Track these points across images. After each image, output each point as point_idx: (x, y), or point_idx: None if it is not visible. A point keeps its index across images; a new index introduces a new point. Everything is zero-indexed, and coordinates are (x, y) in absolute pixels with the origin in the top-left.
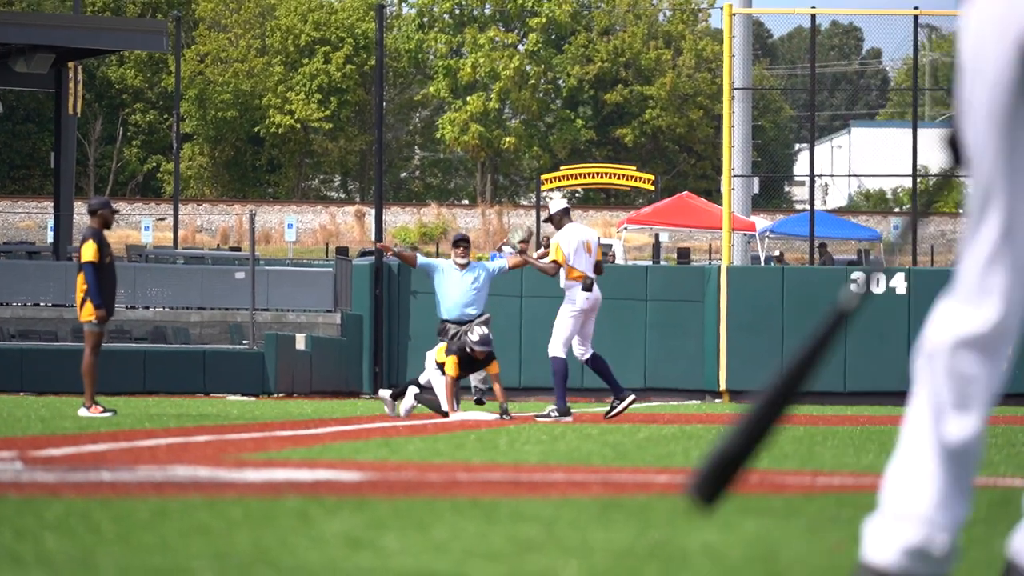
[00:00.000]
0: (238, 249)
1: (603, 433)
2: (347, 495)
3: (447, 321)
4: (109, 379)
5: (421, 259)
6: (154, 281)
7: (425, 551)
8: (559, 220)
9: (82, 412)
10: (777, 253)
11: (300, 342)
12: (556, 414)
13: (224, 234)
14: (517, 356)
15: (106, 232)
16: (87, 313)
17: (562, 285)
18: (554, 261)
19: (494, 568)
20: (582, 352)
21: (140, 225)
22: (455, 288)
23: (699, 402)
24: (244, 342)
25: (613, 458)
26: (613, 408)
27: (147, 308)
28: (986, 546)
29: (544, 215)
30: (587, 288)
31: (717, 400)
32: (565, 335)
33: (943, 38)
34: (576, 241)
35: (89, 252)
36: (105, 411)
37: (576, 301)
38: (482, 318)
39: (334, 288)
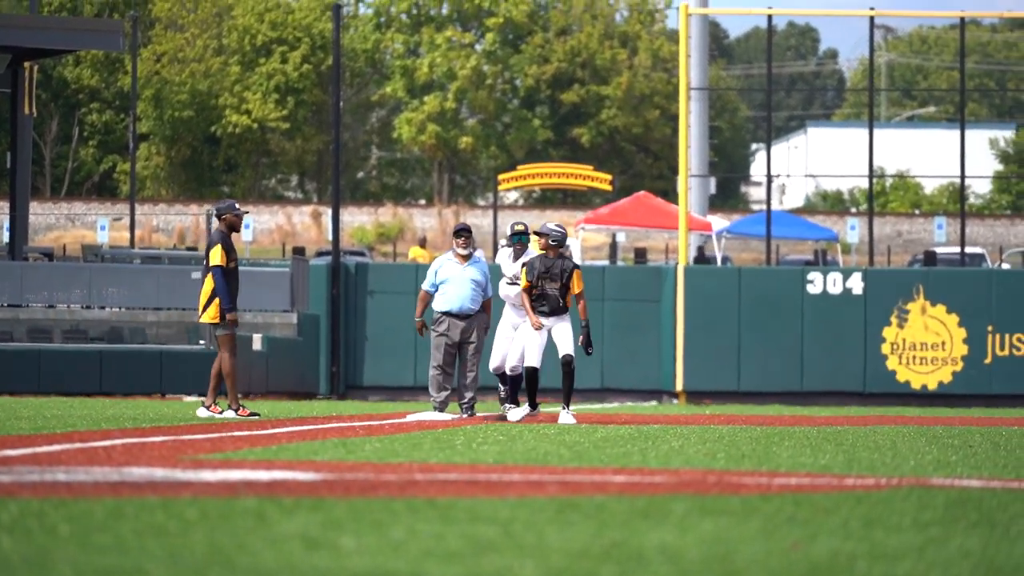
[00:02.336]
0: (195, 249)
1: (560, 433)
2: (304, 495)
3: (447, 314)
4: (65, 379)
5: (425, 287)
6: (110, 281)
7: (382, 551)
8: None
9: (228, 413)
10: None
11: (257, 342)
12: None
13: (181, 234)
14: None
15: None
16: (210, 315)
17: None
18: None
19: (451, 568)
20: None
21: (96, 225)
22: (459, 281)
23: (656, 402)
24: (201, 342)
25: (570, 458)
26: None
27: (103, 308)
28: (943, 545)
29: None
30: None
31: (674, 401)
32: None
33: (899, 38)
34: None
35: (217, 256)
36: (251, 413)
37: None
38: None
39: (291, 288)
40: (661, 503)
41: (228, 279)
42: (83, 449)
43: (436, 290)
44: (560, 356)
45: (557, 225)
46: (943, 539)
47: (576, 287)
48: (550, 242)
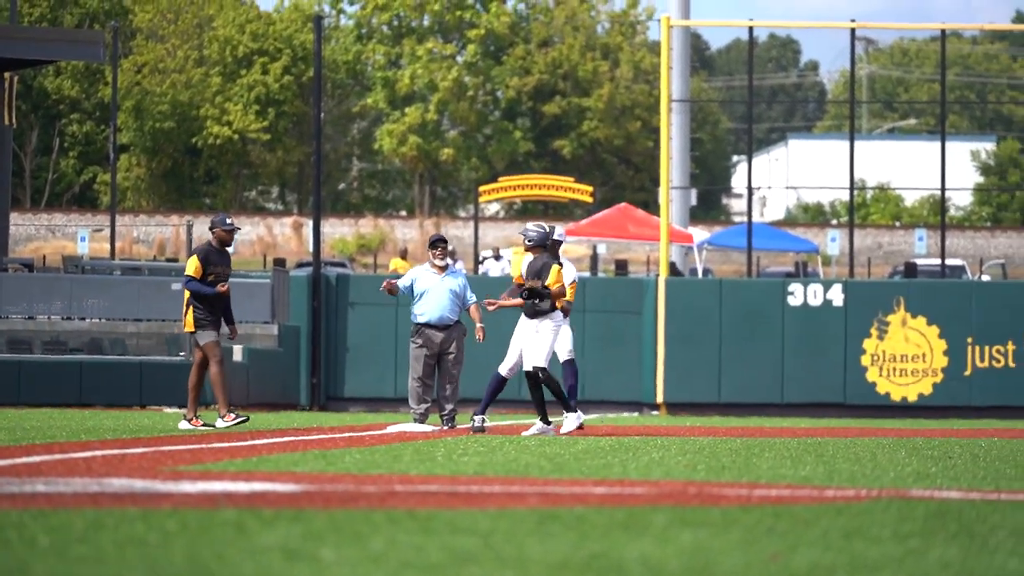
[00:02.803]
0: (175, 260)
1: (541, 445)
2: (284, 507)
3: (426, 325)
4: (45, 390)
5: (400, 283)
6: (91, 292)
7: (362, 563)
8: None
9: (220, 423)
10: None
11: (237, 353)
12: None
13: (161, 245)
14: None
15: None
16: (188, 324)
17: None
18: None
19: None
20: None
21: (76, 236)
22: (437, 291)
23: (637, 414)
24: (181, 353)
25: (550, 470)
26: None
27: (83, 319)
28: (922, 557)
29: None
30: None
31: (654, 412)
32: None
33: (880, 51)
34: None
35: (190, 267)
36: (237, 419)
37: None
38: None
39: (271, 299)
40: (641, 514)
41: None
42: (63, 460)
43: (409, 292)
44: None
45: (537, 225)
46: (922, 550)
47: (552, 282)
48: (525, 242)
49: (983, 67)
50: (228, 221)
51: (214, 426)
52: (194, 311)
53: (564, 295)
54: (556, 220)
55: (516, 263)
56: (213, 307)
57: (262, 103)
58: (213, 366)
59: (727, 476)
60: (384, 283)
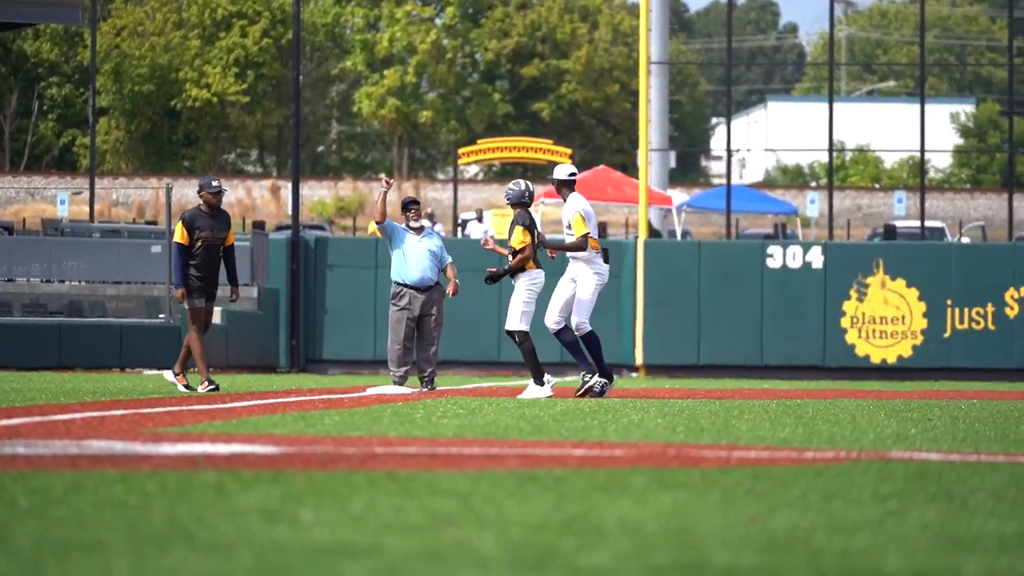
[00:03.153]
0: (154, 223)
1: (520, 407)
2: (263, 469)
3: (406, 285)
4: (24, 353)
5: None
6: (70, 255)
7: (342, 524)
8: (565, 190)
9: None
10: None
11: (216, 316)
12: (603, 381)
13: (140, 208)
14: (496, 332)
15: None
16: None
17: (582, 257)
18: (583, 235)
19: (410, 541)
20: (558, 323)
21: (56, 199)
22: (416, 252)
23: (616, 376)
24: (160, 316)
25: (529, 432)
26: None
27: (63, 282)
28: (901, 519)
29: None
30: (607, 259)
31: (634, 375)
32: (591, 306)
33: (859, 13)
34: (591, 211)
35: (176, 233)
36: (210, 387)
37: (602, 272)
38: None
39: (251, 262)
40: (620, 476)
41: (195, 256)
42: (42, 423)
43: (390, 233)
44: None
45: (514, 183)
46: (901, 512)
47: (515, 242)
48: (506, 202)
49: (962, 29)
50: (214, 184)
51: (195, 390)
52: (173, 279)
53: (528, 256)
54: (534, 182)
55: (498, 224)
56: (199, 271)
57: (241, 66)
58: (192, 331)
59: (706, 438)
60: (385, 181)
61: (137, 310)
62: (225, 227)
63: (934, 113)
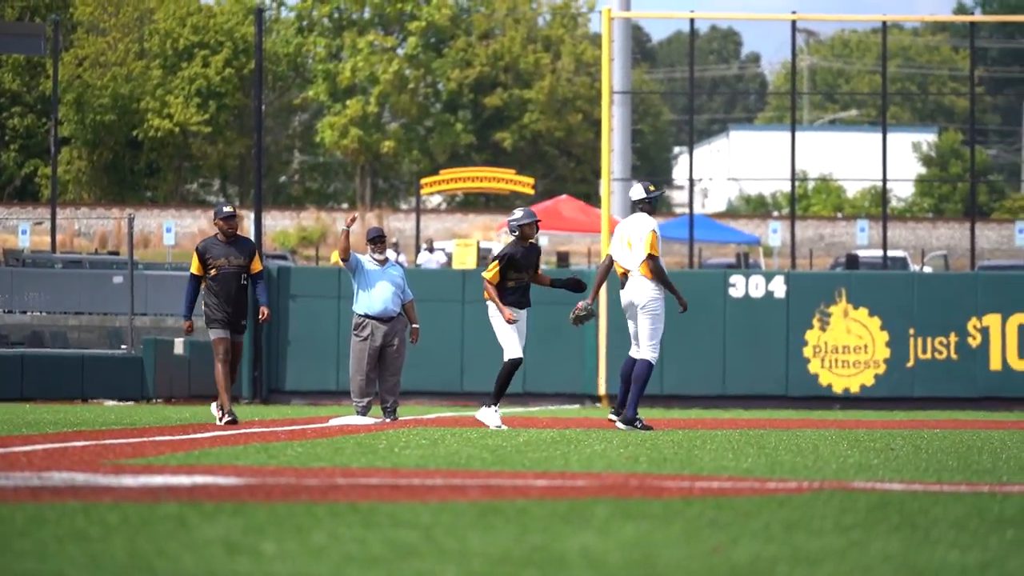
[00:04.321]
0: (116, 253)
1: (482, 437)
2: (225, 500)
3: (370, 316)
4: None
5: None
6: (32, 285)
7: (303, 556)
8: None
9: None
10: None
11: (179, 347)
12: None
13: (103, 238)
14: (459, 362)
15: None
16: None
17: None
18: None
19: (372, 573)
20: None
21: (17, 229)
22: (380, 284)
23: (579, 406)
24: (123, 347)
25: (492, 462)
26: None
27: (24, 313)
28: (864, 549)
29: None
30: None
31: (597, 404)
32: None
33: (821, 42)
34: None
35: (192, 264)
36: (228, 421)
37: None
38: None
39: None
40: (583, 507)
41: (213, 285)
42: (3, 454)
43: (355, 267)
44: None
45: (518, 210)
46: (864, 542)
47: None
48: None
49: (924, 58)
50: (224, 209)
51: (235, 420)
52: (203, 305)
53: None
54: (497, 212)
55: (459, 255)
56: (218, 301)
57: (203, 96)
58: (216, 363)
59: (669, 468)
60: (350, 219)
61: (99, 341)
62: (244, 254)
63: (896, 142)
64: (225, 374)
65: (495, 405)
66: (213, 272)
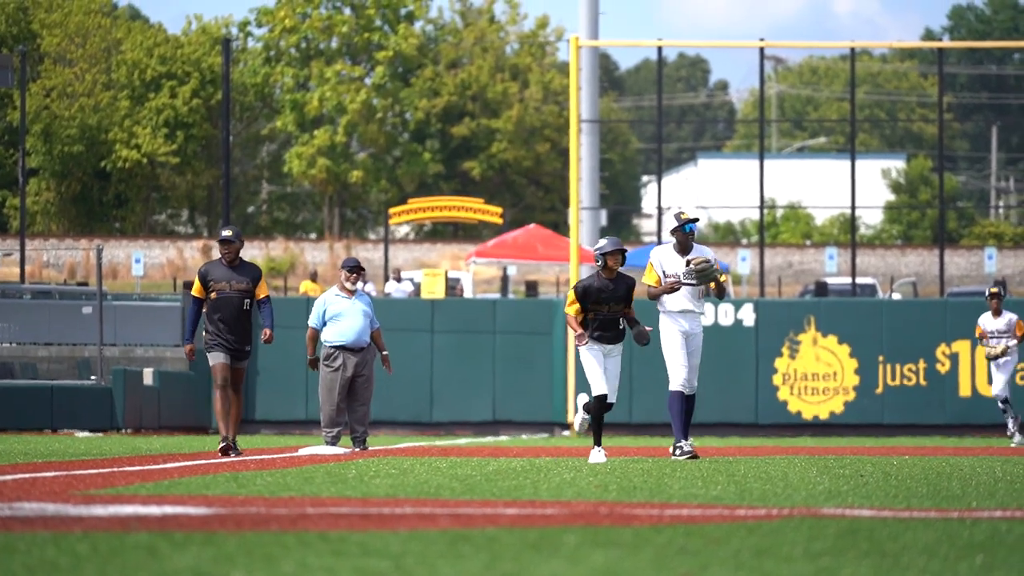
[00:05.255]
0: (85, 284)
1: (452, 467)
2: (195, 530)
3: (342, 347)
4: None
5: (313, 324)
6: (1, 316)
7: None
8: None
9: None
10: None
11: (148, 377)
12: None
13: (71, 269)
14: (428, 391)
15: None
16: None
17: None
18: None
19: None
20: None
21: None
22: (351, 314)
23: (548, 435)
24: (92, 377)
25: (462, 491)
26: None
27: None
28: (834, 575)
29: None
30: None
31: (565, 433)
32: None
33: (789, 69)
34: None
35: (193, 287)
36: (224, 450)
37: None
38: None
39: (182, 322)
40: (553, 535)
41: (208, 309)
42: None
43: (324, 326)
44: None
45: (604, 239)
46: (834, 569)
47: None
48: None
49: (893, 85)
50: (224, 233)
51: (229, 450)
52: (204, 330)
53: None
54: (465, 242)
55: (428, 284)
56: (218, 325)
57: (171, 126)
58: (214, 389)
59: (639, 496)
60: (309, 362)
61: (68, 372)
62: (247, 278)
63: (865, 169)
64: (222, 401)
65: (597, 445)
66: (213, 295)
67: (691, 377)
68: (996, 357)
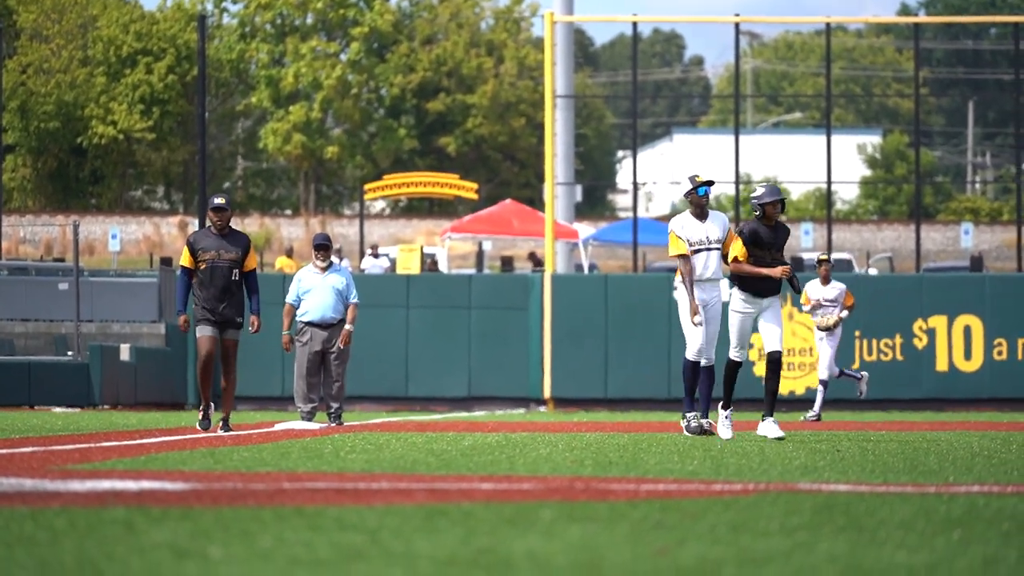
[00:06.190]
0: (62, 260)
1: (428, 442)
2: (172, 505)
3: (310, 324)
4: None
5: (289, 300)
6: None
7: (250, 560)
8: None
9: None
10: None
11: (125, 353)
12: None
13: (48, 245)
14: (404, 366)
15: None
16: None
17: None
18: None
19: None
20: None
21: None
22: (320, 290)
23: (524, 410)
24: (69, 353)
25: (437, 466)
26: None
27: None
28: (810, 551)
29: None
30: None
31: (542, 408)
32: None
33: (764, 45)
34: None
35: (182, 257)
36: (203, 419)
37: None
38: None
39: (158, 298)
40: (529, 510)
41: (202, 280)
42: None
43: (299, 302)
44: (767, 352)
45: (760, 187)
46: (810, 544)
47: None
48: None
49: (868, 60)
50: (216, 200)
51: (208, 425)
52: (193, 303)
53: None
54: (440, 217)
55: (403, 260)
56: (206, 295)
57: (147, 103)
58: (198, 361)
59: (614, 471)
60: (284, 341)
61: (45, 348)
62: (237, 248)
63: (841, 144)
64: (203, 374)
65: (726, 410)
66: (202, 265)
67: (708, 347)
68: (829, 328)
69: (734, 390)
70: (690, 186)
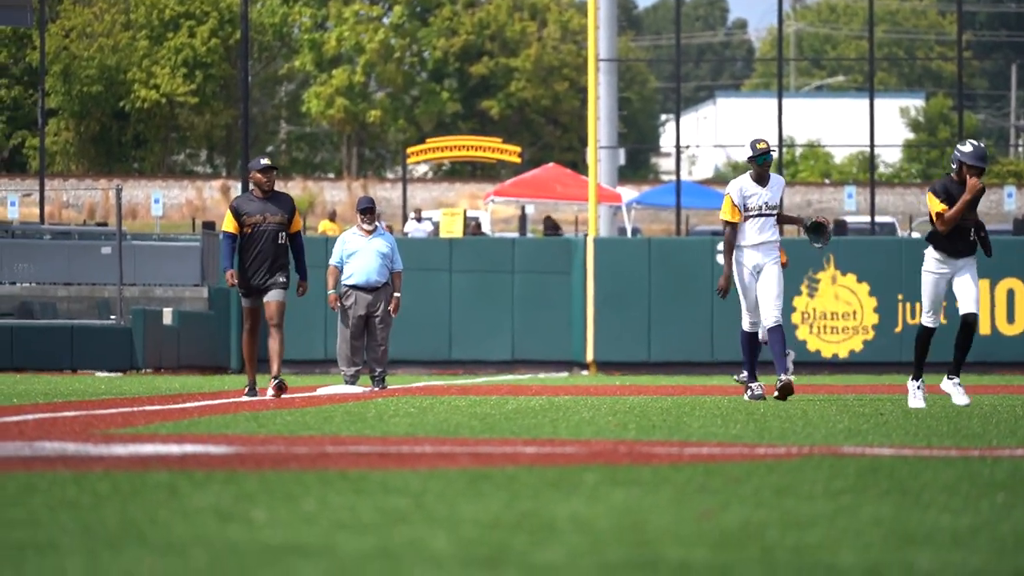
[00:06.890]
0: (105, 224)
1: (471, 405)
2: (216, 469)
3: (354, 287)
4: None
5: (333, 262)
6: (21, 256)
7: (294, 523)
8: None
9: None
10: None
11: (167, 317)
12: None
13: (91, 209)
14: (447, 330)
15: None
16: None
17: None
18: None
19: (363, 540)
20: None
21: (6, 201)
22: (365, 254)
23: (567, 374)
24: (112, 317)
25: (481, 430)
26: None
27: (14, 284)
28: (854, 514)
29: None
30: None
31: (584, 372)
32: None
33: (808, 8)
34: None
35: (226, 222)
36: (249, 390)
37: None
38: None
39: (201, 262)
40: (572, 473)
41: (242, 244)
42: None
43: (341, 263)
44: (961, 314)
45: (966, 144)
46: (854, 507)
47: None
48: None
49: (911, 23)
50: (262, 161)
51: (283, 386)
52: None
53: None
54: (484, 181)
55: (446, 224)
56: (253, 260)
57: (189, 66)
58: (245, 332)
59: (658, 435)
60: (330, 299)
61: (88, 311)
62: (283, 210)
63: (884, 108)
64: (249, 344)
65: (916, 380)
66: (248, 230)
67: (766, 311)
68: None
69: (926, 358)
70: (751, 152)
